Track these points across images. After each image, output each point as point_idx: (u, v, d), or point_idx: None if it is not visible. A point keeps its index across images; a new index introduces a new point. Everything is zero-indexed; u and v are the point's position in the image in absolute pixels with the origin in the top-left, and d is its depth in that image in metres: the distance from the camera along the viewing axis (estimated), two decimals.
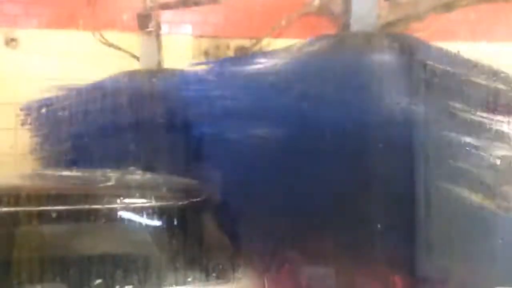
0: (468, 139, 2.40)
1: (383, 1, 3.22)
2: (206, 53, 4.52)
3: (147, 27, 3.82)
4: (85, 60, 4.38)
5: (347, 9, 2.90)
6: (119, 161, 3.08)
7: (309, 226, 2.61)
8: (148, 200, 2.16)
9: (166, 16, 3.92)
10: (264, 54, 3.47)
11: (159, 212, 2.11)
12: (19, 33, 4.41)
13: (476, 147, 2.39)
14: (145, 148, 3.27)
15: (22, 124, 3.96)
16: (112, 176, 2.37)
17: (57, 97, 3.84)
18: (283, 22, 3.81)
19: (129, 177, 2.49)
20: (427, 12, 3.23)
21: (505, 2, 2.95)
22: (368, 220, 2.50)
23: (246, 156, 2.76)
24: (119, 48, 4.03)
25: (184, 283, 2.04)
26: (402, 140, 2.45)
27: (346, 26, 2.91)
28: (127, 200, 2.11)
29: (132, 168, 2.63)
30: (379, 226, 2.49)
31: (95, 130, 3.51)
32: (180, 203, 2.20)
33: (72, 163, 3.42)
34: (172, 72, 3.73)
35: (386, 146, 2.44)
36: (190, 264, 2.08)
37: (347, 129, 2.48)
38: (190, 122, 3.06)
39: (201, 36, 4.57)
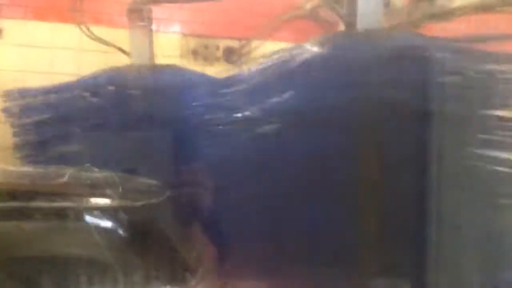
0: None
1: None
2: (194, 52, 4.43)
3: (138, 22, 3.71)
4: (72, 54, 4.31)
5: (352, 8, 2.81)
6: (103, 160, 2.99)
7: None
8: (101, 199, 2.04)
9: (154, 13, 3.82)
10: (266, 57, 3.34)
11: (112, 212, 2.00)
12: (3, 24, 4.30)
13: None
14: (133, 146, 3.18)
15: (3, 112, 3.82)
16: (66, 173, 2.25)
17: (42, 90, 3.72)
18: (273, 25, 3.74)
19: (84, 174, 2.37)
20: (423, 20, 3.15)
21: (501, 12, 2.86)
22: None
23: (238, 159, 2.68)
24: (107, 43, 3.93)
25: None
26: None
27: (351, 25, 2.81)
28: (77, 198, 1.99)
29: (88, 165, 2.51)
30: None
31: (82, 127, 3.40)
32: (136, 203, 2.09)
33: (54, 162, 3.31)
34: (166, 68, 3.63)
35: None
36: (143, 268, 1.98)
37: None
38: (184, 119, 2.99)
39: (189, 35, 4.48)
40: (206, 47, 4.44)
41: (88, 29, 3.88)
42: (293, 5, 3.79)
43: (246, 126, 2.69)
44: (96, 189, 2.11)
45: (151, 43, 3.73)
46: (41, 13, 4.31)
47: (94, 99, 3.39)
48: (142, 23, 3.69)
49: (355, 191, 2.38)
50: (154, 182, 2.44)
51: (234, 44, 4.16)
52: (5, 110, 3.79)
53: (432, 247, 2.28)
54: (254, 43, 3.93)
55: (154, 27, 3.95)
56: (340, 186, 2.39)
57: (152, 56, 3.72)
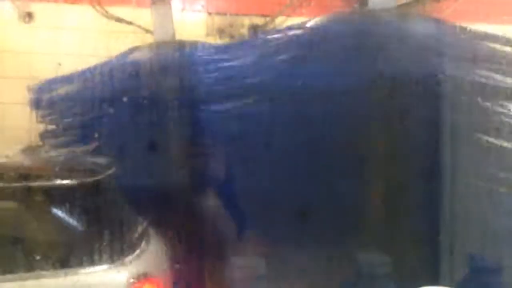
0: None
1: None
2: (219, 31, 4.47)
3: None
4: (101, 35, 4.38)
5: None
6: (126, 138, 3.07)
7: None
8: (44, 179, 2.10)
9: None
10: (280, 30, 3.37)
11: (52, 191, 2.06)
12: (34, 7, 4.41)
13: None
14: (157, 124, 3.22)
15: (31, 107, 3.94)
16: (8, 154, 2.31)
17: (68, 77, 3.80)
18: (297, 1, 3.75)
19: (28, 154, 2.41)
20: None
21: None
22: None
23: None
24: (130, 23, 3.98)
25: (72, 266, 1.99)
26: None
27: (363, 4, 2.85)
28: (20, 178, 2.06)
29: (35, 144, 2.55)
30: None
31: (108, 108, 3.46)
32: (75, 181, 2.13)
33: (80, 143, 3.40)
34: (189, 44, 3.64)
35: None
36: (85, 246, 2.04)
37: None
38: (201, 97, 3.02)
39: (214, 14, 4.52)
40: (231, 24, 4.47)
41: (102, 8, 3.92)
42: None
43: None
44: (36, 169, 2.19)
45: (172, 18, 3.74)
46: None
47: (117, 81, 3.46)
48: None
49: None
50: (101, 160, 2.48)
51: (259, 21, 4.19)
52: (32, 103, 3.90)
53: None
54: (279, 19, 3.95)
55: (180, 6, 4.00)
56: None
57: (174, 32, 3.73)
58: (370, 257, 2.41)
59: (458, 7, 3.14)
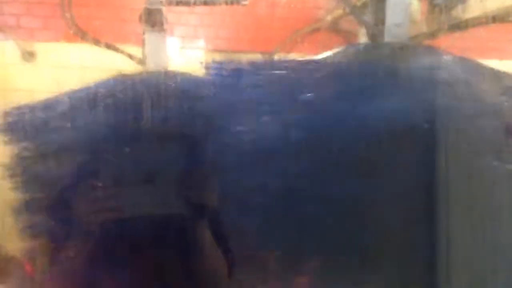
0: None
1: None
2: None
3: (155, 24, 3.62)
4: (103, 74, 4.44)
5: (379, 20, 2.86)
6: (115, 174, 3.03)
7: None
8: None
9: (179, 31, 3.96)
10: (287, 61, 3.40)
11: None
12: (36, 46, 4.49)
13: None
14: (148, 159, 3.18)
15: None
16: None
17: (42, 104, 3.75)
18: (295, 37, 3.85)
19: None
20: (440, 31, 3.23)
21: None
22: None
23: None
24: (122, 52, 3.91)
25: None
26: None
27: (376, 36, 2.88)
28: None
29: None
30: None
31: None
32: None
33: None
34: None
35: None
36: None
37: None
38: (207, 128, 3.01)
39: (213, 51, 4.61)
40: (229, 61, 4.56)
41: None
42: (315, 18, 3.90)
43: None
44: None
45: (166, 48, 3.67)
46: (71, 35, 4.48)
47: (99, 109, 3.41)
48: (160, 25, 3.61)
49: None
50: None
51: (257, 57, 4.28)
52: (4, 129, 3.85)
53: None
54: (277, 56, 4.04)
55: (179, 45, 4.08)
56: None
57: (167, 62, 3.67)
58: None
59: (455, 42, 3.23)
